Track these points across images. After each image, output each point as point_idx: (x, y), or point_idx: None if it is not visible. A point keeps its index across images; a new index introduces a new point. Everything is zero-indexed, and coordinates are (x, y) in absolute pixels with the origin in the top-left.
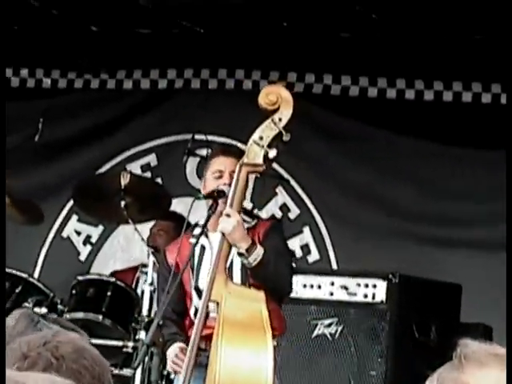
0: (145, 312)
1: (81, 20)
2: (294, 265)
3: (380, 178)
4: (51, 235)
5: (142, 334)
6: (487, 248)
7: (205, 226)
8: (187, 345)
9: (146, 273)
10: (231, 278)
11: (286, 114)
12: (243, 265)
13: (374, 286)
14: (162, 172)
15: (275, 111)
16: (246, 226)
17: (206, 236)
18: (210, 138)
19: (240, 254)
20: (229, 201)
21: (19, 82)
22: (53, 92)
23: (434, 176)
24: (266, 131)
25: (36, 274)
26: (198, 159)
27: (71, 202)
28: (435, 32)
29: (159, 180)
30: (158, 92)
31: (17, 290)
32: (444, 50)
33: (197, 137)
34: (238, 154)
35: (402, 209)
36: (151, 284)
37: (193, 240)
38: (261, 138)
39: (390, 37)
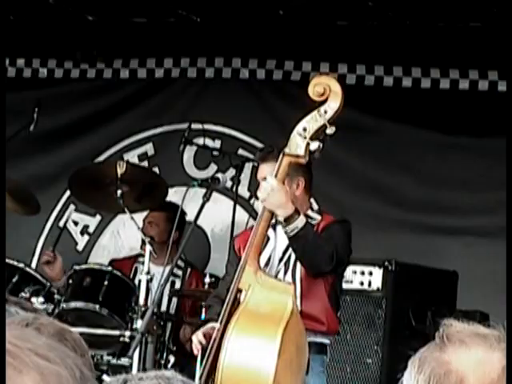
0: (141, 301)
1: (77, 9)
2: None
3: (378, 167)
4: (48, 225)
5: (138, 324)
6: (485, 236)
7: (198, 214)
8: None
9: (143, 262)
10: (286, 272)
11: (332, 106)
12: (295, 259)
13: (370, 274)
14: (159, 161)
15: (322, 103)
16: (312, 222)
17: (274, 228)
18: (207, 126)
19: (279, 222)
20: None
21: (15, 72)
22: (49, 82)
23: (431, 164)
24: (310, 123)
25: (34, 264)
26: (195, 148)
27: (68, 192)
28: (432, 19)
29: (156, 169)
30: (154, 81)
31: (13, 280)
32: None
33: (193, 126)
34: (276, 155)
35: (399, 197)
36: (148, 273)
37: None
38: (304, 130)
39: (386, 25)
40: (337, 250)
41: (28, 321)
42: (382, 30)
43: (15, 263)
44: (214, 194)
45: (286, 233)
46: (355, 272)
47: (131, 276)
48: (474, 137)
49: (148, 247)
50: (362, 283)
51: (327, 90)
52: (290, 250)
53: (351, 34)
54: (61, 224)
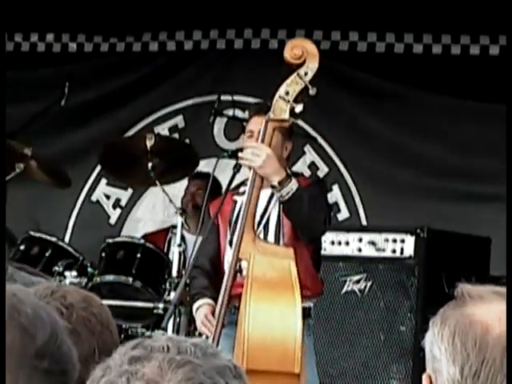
0: (174, 273)
1: None
2: (329, 217)
3: (408, 135)
4: (80, 200)
5: (172, 295)
6: None
7: (230, 183)
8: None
9: (176, 233)
10: (267, 233)
11: (311, 67)
12: (278, 224)
13: (402, 241)
14: (189, 133)
15: (301, 65)
16: None
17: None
18: (237, 98)
19: (273, 187)
20: None
21: (45, 47)
22: (79, 56)
23: (461, 131)
24: (291, 86)
25: (67, 239)
26: (225, 120)
27: (100, 167)
28: None
29: (187, 141)
30: (183, 53)
31: (46, 254)
32: None
33: (223, 97)
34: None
35: (430, 165)
36: (180, 245)
37: (237, 197)
38: (287, 93)
39: None
40: (326, 213)
41: (53, 288)
42: None
43: (48, 237)
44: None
45: (280, 197)
46: (387, 240)
47: (165, 248)
48: (505, 103)
49: (179, 219)
50: (394, 251)
51: (304, 52)
52: (268, 213)
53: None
54: (93, 198)
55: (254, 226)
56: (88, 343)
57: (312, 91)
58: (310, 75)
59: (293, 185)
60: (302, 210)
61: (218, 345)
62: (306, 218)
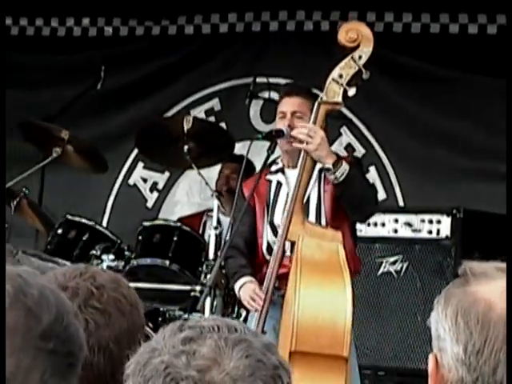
0: (211, 256)
1: None
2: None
3: (444, 116)
4: (118, 183)
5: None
6: None
7: (265, 164)
8: (256, 279)
9: (212, 216)
10: (306, 216)
11: (366, 51)
12: (318, 204)
13: (439, 222)
14: (225, 116)
15: (355, 49)
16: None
17: (283, 172)
18: (272, 80)
19: (327, 170)
20: None
21: (81, 31)
22: (114, 40)
23: (496, 111)
24: (345, 69)
25: (104, 223)
26: (261, 102)
27: (136, 150)
28: None
29: (223, 124)
30: (219, 36)
31: (84, 238)
32: None
33: (258, 80)
34: (303, 92)
35: (465, 145)
36: (216, 228)
37: (270, 176)
38: (340, 76)
39: None
40: (374, 188)
41: (81, 270)
42: None
43: (85, 221)
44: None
45: (335, 179)
46: (423, 221)
47: (201, 231)
48: None
49: (215, 201)
50: (430, 232)
51: (359, 36)
52: (308, 193)
53: None
54: (130, 182)
55: (303, 209)
56: (119, 323)
57: (365, 75)
58: (364, 59)
59: (345, 166)
60: (355, 190)
61: (264, 324)
62: (360, 197)
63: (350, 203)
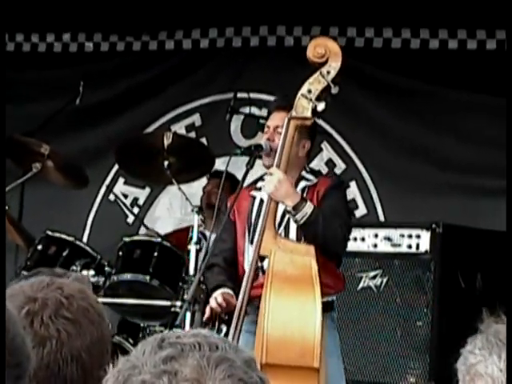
0: (191, 271)
1: None
2: (350, 226)
3: (424, 131)
4: (99, 199)
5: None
6: None
7: (243, 180)
8: (237, 295)
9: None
10: (287, 234)
11: (334, 66)
12: (281, 221)
13: (418, 237)
14: (206, 131)
15: (323, 64)
16: (308, 184)
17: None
18: (253, 95)
19: (288, 211)
20: (277, 156)
21: (61, 47)
22: (95, 56)
23: (478, 127)
24: (314, 84)
25: (85, 238)
26: (242, 117)
27: (117, 166)
28: None
29: (204, 140)
30: (199, 52)
31: (64, 254)
32: None
33: (239, 95)
34: (290, 108)
35: (446, 160)
36: (197, 243)
37: (255, 192)
38: (309, 91)
39: None
40: (346, 225)
41: (47, 281)
42: None
43: (65, 237)
44: (259, 161)
45: (295, 221)
46: (403, 235)
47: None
48: None
49: (196, 217)
50: (409, 246)
51: (327, 51)
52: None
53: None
54: (111, 197)
55: (275, 224)
56: (89, 332)
57: (334, 90)
58: (333, 74)
59: (307, 208)
60: (317, 232)
61: (238, 340)
62: (323, 238)
63: (313, 243)
